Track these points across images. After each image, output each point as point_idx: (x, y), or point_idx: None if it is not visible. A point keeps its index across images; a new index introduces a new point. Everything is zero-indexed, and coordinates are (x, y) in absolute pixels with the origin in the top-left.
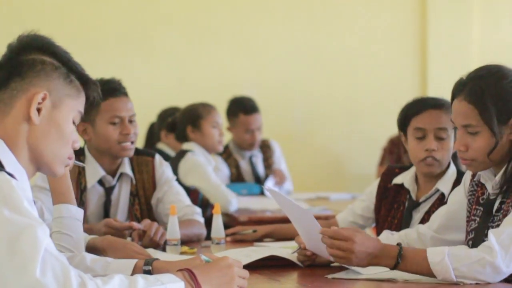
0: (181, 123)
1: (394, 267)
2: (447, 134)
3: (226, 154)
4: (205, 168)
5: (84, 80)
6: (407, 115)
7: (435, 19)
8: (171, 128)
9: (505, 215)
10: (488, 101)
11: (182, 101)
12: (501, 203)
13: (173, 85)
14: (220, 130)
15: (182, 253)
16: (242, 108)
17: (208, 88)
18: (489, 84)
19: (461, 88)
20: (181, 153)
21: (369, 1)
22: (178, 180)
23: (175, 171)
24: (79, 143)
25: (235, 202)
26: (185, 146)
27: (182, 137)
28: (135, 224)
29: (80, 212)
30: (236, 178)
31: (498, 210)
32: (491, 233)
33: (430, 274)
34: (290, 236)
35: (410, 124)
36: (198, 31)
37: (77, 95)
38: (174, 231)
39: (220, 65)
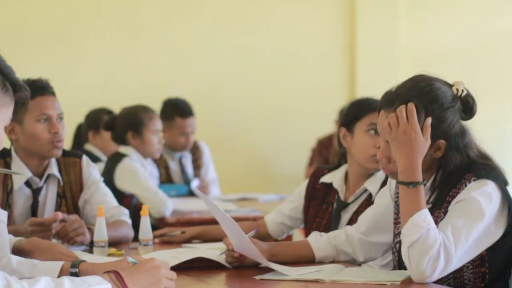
0: (121, 126)
1: None
2: None
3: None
4: (141, 174)
5: (16, 87)
6: (361, 111)
7: (363, 23)
8: (108, 128)
9: (435, 222)
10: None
11: (110, 102)
12: (431, 209)
13: (101, 85)
14: (160, 137)
15: (109, 254)
16: (178, 111)
17: (137, 89)
18: (419, 100)
19: (390, 103)
20: (118, 157)
21: (298, 4)
22: (113, 184)
23: (110, 173)
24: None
25: (171, 206)
26: (122, 149)
27: (120, 140)
28: (59, 214)
29: (3, 214)
30: (165, 178)
31: None
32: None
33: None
34: (218, 238)
35: (362, 120)
36: (127, 31)
37: (10, 103)
38: (101, 233)
39: (149, 65)
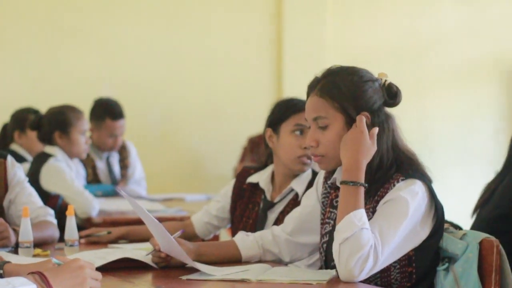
0: (48, 126)
1: None
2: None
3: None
4: (67, 175)
5: None
6: (286, 112)
7: (290, 23)
8: (34, 127)
9: None
10: (339, 92)
11: (37, 102)
12: None
13: (28, 85)
14: (87, 138)
15: (35, 255)
16: (109, 112)
17: (64, 88)
18: (340, 78)
19: (314, 85)
20: (43, 157)
21: (226, 4)
22: (39, 184)
23: (36, 174)
24: None
25: (97, 206)
26: (48, 149)
27: (47, 140)
28: None
29: None
30: (92, 178)
31: None
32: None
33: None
34: (144, 238)
35: (288, 121)
36: (54, 30)
37: None
38: (26, 233)
39: (77, 64)
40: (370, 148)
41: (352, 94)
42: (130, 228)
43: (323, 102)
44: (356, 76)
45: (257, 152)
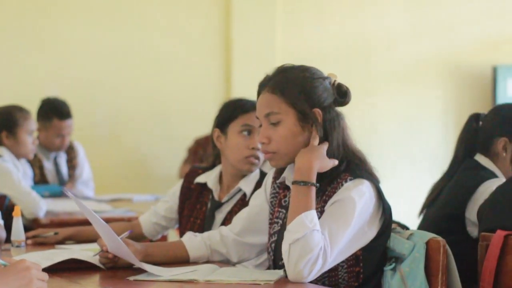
0: None
1: None
2: None
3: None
4: (14, 175)
5: None
6: (234, 112)
7: (239, 22)
8: None
9: None
10: (291, 88)
11: None
12: None
13: None
14: (34, 138)
15: None
16: (56, 113)
17: (11, 87)
18: (291, 75)
19: (265, 83)
20: None
21: (174, 3)
22: None
23: None
24: None
25: (45, 207)
26: None
27: None
28: None
29: None
30: (40, 178)
31: None
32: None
33: None
34: (92, 239)
35: (236, 121)
36: (2, 28)
37: None
38: None
39: (23, 64)
40: (324, 158)
41: (304, 89)
42: (77, 229)
43: (275, 98)
44: (308, 72)
45: (202, 153)
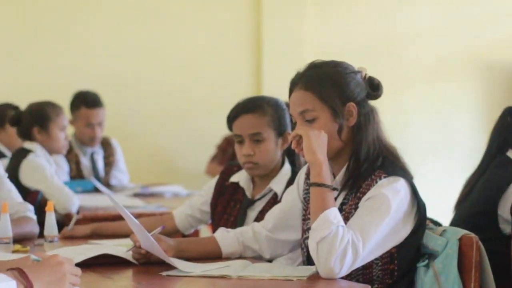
0: (27, 121)
1: None
2: (263, 137)
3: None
4: (47, 170)
5: None
6: (228, 121)
7: (270, 18)
8: (14, 123)
9: (347, 218)
10: (325, 84)
11: (15, 97)
12: (342, 203)
13: (7, 81)
14: (66, 134)
15: (14, 251)
16: (84, 101)
17: (42, 83)
18: (324, 70)
19: (297, 80)
20: (23, 153)
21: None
22: (18, 180)
23: (15, 169)
24: None
25: (77, 202)
26: (27, 145)
27: (26, 135)
28: None
29: None
30: (76, 174)
31: (339, 210)
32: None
33: None
34: (113, 234)
35: (232, 129)
36: (31, 25)
37: None
38: (5, 229)
39: (53, 60)
40: (321, 139)
41: (337, 85)
42: (100, 225)
43: (309, 95)
44: (340, 67)
45: (231, 150)
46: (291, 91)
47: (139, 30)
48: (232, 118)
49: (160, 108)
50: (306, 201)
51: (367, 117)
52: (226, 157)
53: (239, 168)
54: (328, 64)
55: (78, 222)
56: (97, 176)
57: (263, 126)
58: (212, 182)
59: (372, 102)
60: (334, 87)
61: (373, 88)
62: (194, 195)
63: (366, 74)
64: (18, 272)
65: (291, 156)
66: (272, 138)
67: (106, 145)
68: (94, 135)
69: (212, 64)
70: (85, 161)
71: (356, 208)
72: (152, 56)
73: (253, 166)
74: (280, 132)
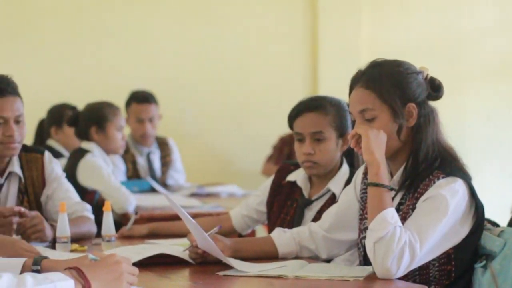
0: (85, 121)
1: None
2: (324, 136)
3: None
4: (104, 170)
5: None
6: (289, 120)
7: (326, 19)
8: (71, 123)
9: (404, 218)
10: (386, 83)
11: (72, 98)
12: (400, 203)
13: (63, 81)
14: (123, 134)
15: (72, 250)
16: (135, 97)
17: (99, 84)
18: (386, 70)
19: (358, 78)
20: (80, 153)
21: (260, 0)
22: (76, 179)
23: (73, 169)
24: None
25: (134, 202)
26: (84, 145)
27: (83, 135)
28: (21, 209)
29: None
30: (132, 174)
31: (396, 210)
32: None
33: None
34: (169, 234)
35: (293, 127)
36: (88, 26)
37: None
38: (63, 229)
39: (111, 61)
40: (380, 139)
41: (399, 85)
42: (157, 224)
43: (369, 94)
44: (402, 67)
45: (288, 151)
46: (351, 88)
47: (195, 30)
48: (293, 116)
49: (216, 108)
50: (363, 200)
51: (427, 118)
52: (282, 157)
53: (295, 167)
54: (390, 63)
55: (135, 222)
56: (153, 176)
57: (325, 126)
58: (268, 181)
59: (432, 102)
60: (395, 87)
61: (434, 88)
62: (250, 195)
63: (427, 75)
64: (76, 271)
65: (350, 156)
66: (333, 138)
67: (163, 145)
68: (144, 131)
69: (268, 65)
70: (141, 161)
71: (413, 208)
72: (209, 56)
73: (312, 165)
74: (341, 133)
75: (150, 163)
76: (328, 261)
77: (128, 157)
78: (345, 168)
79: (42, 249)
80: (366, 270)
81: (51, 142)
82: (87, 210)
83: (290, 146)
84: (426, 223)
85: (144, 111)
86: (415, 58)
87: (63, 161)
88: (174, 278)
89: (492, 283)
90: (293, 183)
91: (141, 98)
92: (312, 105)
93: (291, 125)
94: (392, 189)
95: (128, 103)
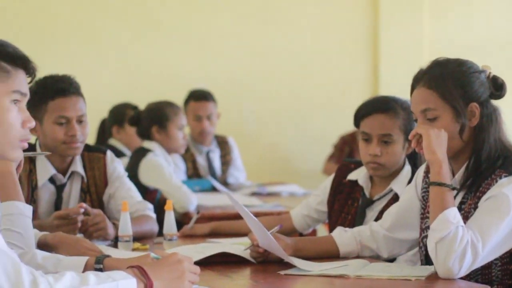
0: (146, 121)
1: None
2: (392, 139)
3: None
4: (166, 169)
5: (10, 59)
6: (356, 117)
7: (387, 17)
8: (133, 123)
9: (466, 217)
10: (448, 83)
11: (133, 97)
12: (461, 203)
13: (124, 80)
14: (184, 133)
15: (134, 249)
16: (192, 95)
17: (159, 84)
18: (448, 69)
19: (420, 77)
20: (142, 152)
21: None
22: (137, 178)
23: (135, 168)
24: (33, 121)
25: (195, 201)
26: (146, 144)
27: (145, 135)
28: (83, 205)
29: (28, 208)
30: (192, 173)
31: (458, 209)
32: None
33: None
34: (236, 232)
35: (360, 126)
36: (149, 25)
37: (6, 77)
38: (126, 227)
39: (172, 60)
40: (441, 138)
41: (461, 85)
42: (219, 223)
43: (432, 94)
44: (464, 66)
45: (348, 150)
46: (413, 88)
47: (256, 30)
48: (362, 115)
49: (277, 107)
50: (424, 199)
51: (490, 118)
52: (343, 156)
53: (356, 165)
54: (452, 63)
55: (196, 221)
56: (213, 175)
57: (395, 128)
58: (328, 181)
59: (495, 101)
60: (458, 87)
61: (497, 87)
62: (311, 195)
63: (490, 73)
64: (138, 269)
65: (412, 157)
66: (400, 141)
67: (223, 144)
68: (203, 128)
69: (329, 64)
70: (200, 160)
71: (475, 207)
72: (270, 56)
73: (378, 166)
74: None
75: (210, 162)
76: (389, 260)
77: (188, 156)
78: (408, 168)
79: (104, 248)
80: (428, 269)
81: (113, 142)
82: (149, 209)
83: (351, 145)
84: (488, 222)
85: (202, 108)
86: (477, 57)
87: (125, 161)
88: (235, 277)
89: None
90: (354, 182)
91: (198, 96)
92: (383, 107)
93: (357, 124)
94: (454, 188)
95: (186, 102)
